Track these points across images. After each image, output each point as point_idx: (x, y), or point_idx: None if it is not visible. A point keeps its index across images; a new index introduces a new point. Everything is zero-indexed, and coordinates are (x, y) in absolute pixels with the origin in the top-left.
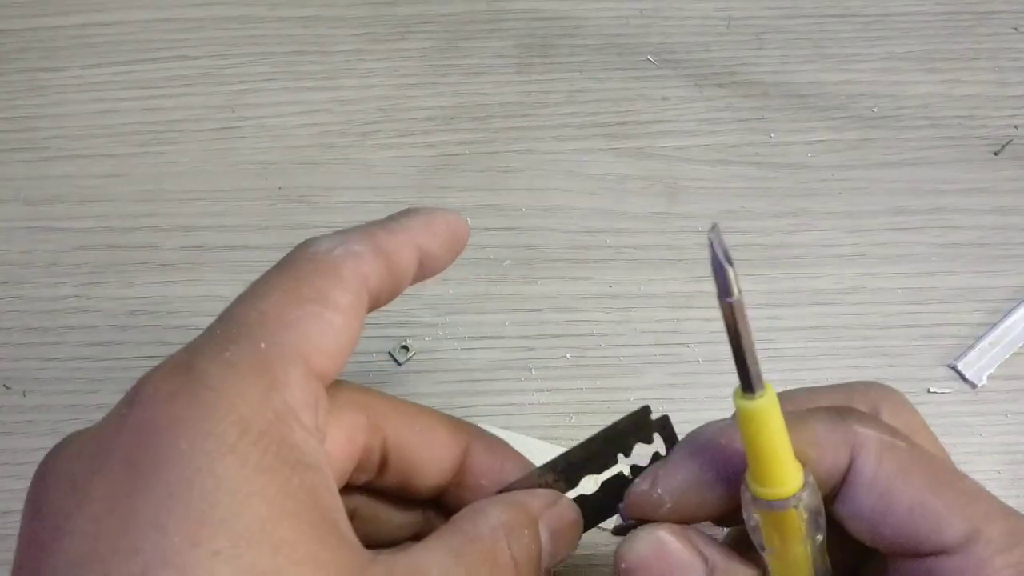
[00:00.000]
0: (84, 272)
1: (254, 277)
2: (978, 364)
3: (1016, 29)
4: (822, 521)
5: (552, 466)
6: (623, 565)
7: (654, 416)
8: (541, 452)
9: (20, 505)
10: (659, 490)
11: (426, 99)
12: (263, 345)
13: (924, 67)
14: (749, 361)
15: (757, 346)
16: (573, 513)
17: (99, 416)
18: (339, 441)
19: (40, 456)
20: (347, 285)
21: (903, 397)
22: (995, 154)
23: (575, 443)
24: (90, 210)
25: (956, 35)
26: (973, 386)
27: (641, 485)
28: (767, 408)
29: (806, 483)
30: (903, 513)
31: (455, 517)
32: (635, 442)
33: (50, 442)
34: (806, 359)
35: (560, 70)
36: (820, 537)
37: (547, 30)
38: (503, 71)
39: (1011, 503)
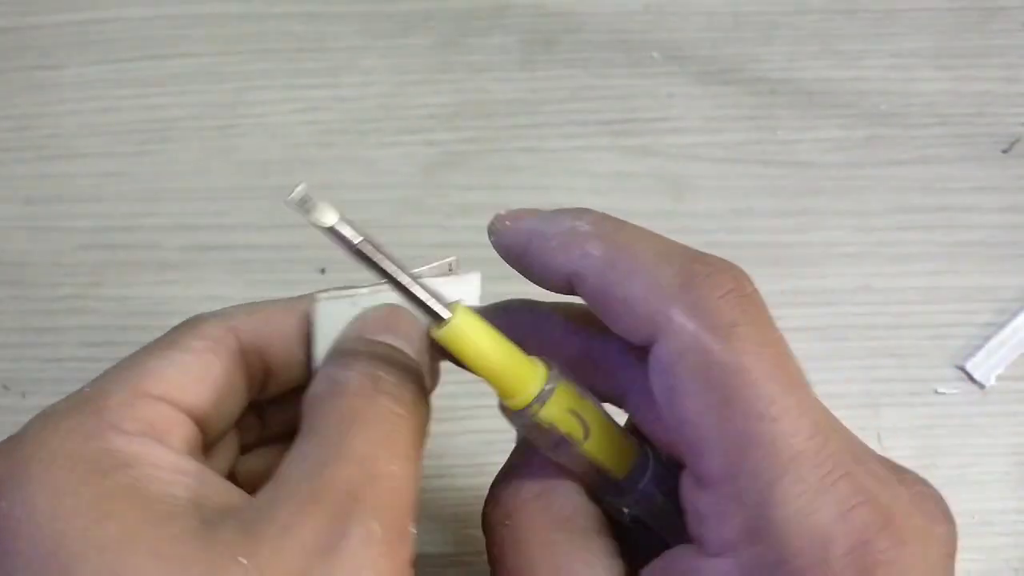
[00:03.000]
0: (84, 272)
1: (254, 277)
2: (986, 364)
3: None
4: (592, 404)
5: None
6: None
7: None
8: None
9: None
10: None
11: (428, 96)
12: (86, 390)
13: (933, 64)
14: (418, 293)
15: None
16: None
17: None
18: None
19: None
20: (203, 333)
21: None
22: (1004, 152)
23: None
24: (89, 209)
25: (965, 31)
26: (981, 386)
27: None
28: (464, 326)
29: (550, 378)
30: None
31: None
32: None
33: None
34: (812, 359)
35: (564, 66)
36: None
37: (551, 26)
38: (506, 67)
39: (1019, 504)
